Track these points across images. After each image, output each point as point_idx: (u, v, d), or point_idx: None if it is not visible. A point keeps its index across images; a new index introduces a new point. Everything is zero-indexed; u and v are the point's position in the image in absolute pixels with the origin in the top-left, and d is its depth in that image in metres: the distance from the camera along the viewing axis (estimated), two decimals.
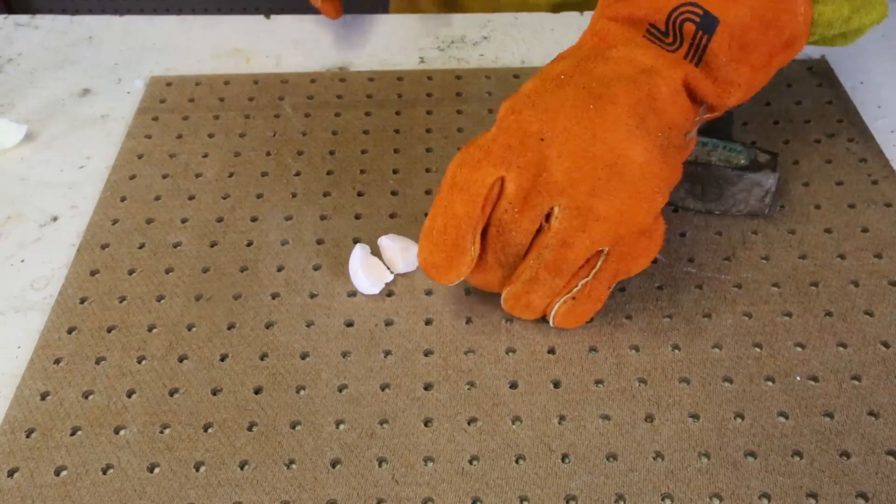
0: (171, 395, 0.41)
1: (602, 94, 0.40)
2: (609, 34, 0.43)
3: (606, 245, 0.40)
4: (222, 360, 0.42)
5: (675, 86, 0.41)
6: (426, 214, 0.50)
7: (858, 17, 0.45)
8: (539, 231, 0.40)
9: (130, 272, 0.47)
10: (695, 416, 0.40)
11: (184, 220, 0.50)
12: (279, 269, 0.47)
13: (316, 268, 0.47)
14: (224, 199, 0.51)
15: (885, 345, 0.43)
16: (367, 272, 0.45)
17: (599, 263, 0.40)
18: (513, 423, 0.40)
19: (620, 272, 0.41)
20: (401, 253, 0.46)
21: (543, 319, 0.44)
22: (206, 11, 1.73)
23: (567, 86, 0.41)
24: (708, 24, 0.41)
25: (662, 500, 0.37)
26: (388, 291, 0.46)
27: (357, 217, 0.50)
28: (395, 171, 0.53)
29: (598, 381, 0.41)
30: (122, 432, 0.39)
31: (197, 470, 0.38)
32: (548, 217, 0.40)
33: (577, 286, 0.41)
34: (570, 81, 0.41)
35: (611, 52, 0.42)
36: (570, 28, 0.65)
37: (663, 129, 0.41)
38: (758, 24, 0.42)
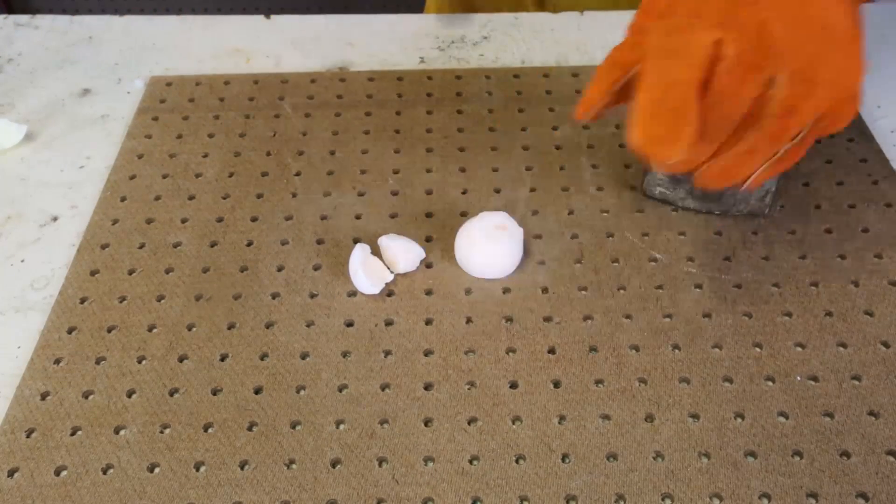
0: (171, 395, 0.41)
1: None
2: None
3: (825, 111, 0.38)
4: (222, 360, 0.42)
5: None
6: (427, 214, 0.50)
7: None
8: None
9: (130, 272, 0.47)
10: (695, 416, 0.40)
11: (184, 220, 0.50)
12: (279, 269, 0.47)
13: (316, 268, 0.47)
14: (224, 199, 0.51)
15: (886, 345, 0.43)
16: (367, 272, 0.45)
17: (808, 128, 0.39)
18: (513, 423, 0.40)
19: (821, 131, 0.40)
20: (401, 253, 0.46)
21: (543, 320, 0.44)
22: (206, 11, 1.73)
23: None
24: None
25: (663, 499, 0.37)
26: (388, 291, 0.46)
27: (357, 217, 0.50)
28: (395, 171, 0.53)
29: (598, 381, 0.41)
30: (122, 432, 0.39)
31: (197, 470, 0.38)
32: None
33: (780, 152, 0.39)
34: None
35: None
36: (569, 28, 0.65)
37: None
38: None
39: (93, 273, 0.47)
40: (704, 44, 0.37)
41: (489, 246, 0.45)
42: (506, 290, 0.46)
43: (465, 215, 0.50)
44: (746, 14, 0.38)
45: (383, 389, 0.41)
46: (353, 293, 0.46)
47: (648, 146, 0.38)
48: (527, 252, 0.47)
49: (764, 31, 0.37)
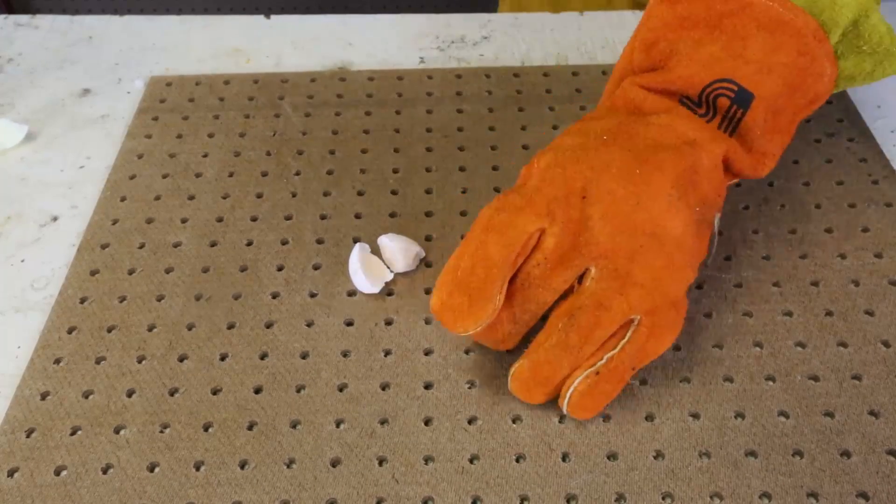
0: (171, 394, 0.41)
1: (648, 159, 0.40)
2: (646, 102, 0.43)
3: (641, 313, 0.38)
4: (222, 359, 0.42)
5: (716, 161, 0.41)
6: (427, 213, 0.50)
7: (882, 70, 0.45)
8: (566, 295, 0.39)
9: (130, 272, 0.47)
10: (695, 416, 0.40)
11: (184, 220, 0.50)
12: (279, 269, 0.47)
13: (316, 267, 0.47)
14: (224, 198, 0.51)
15: (886, 344, 0.43)
16: (366, 271, 0.45)
17: (629, 334, 0.38)
18: (513, 423, 0.40)
19: (647, 352, 0.39)
20: (401, 252, 0.46)
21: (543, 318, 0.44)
22: (206, 11, 1.73)
23: (612, 145, 0.40)
24: (743, 99, 0.41)
25: (663, 499, 0.37)
26: (387, 290, 0.46)
27: (357, 216, 0.50)
28: (395, 171, 0.53)
29: None
30: (122, 432, 0.39)
31: (197, 469, 0.38)
32: (580, 279, 0.38)
33: (602, 360, 0.38)
34: (615, 142, 0.41)
35: (652, 118, 0.42)
36: (569, 28, 0.65)
37: (699, 203, 0.40)
38: (787, 91, 0.42)
39: (93, 273, 0.47)
40: (526, 229, 0.38)
41: None
42: None
43: (464, 214, 0.50)
44: (575, 210, 0.38)
45: (383, 389, 0.41)
46: (353, 292, 0.46)
47: (444, 314, 0.38)
48: None
49: (584, 227, 0.38)
